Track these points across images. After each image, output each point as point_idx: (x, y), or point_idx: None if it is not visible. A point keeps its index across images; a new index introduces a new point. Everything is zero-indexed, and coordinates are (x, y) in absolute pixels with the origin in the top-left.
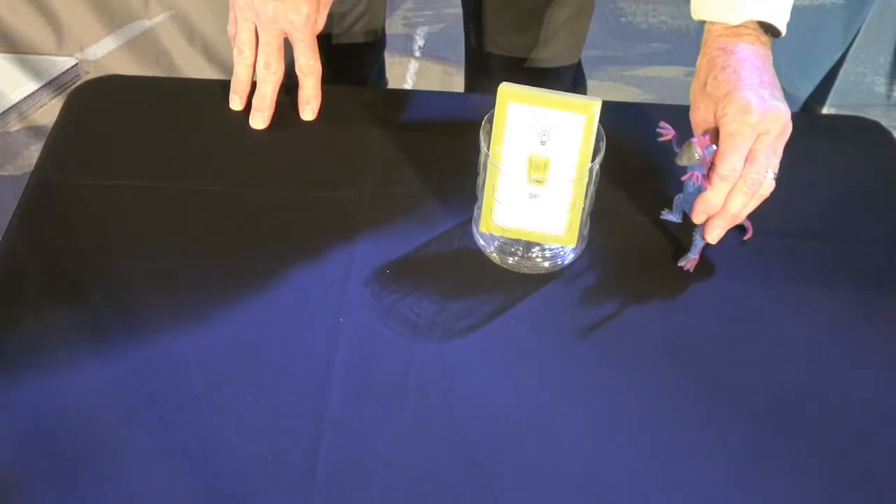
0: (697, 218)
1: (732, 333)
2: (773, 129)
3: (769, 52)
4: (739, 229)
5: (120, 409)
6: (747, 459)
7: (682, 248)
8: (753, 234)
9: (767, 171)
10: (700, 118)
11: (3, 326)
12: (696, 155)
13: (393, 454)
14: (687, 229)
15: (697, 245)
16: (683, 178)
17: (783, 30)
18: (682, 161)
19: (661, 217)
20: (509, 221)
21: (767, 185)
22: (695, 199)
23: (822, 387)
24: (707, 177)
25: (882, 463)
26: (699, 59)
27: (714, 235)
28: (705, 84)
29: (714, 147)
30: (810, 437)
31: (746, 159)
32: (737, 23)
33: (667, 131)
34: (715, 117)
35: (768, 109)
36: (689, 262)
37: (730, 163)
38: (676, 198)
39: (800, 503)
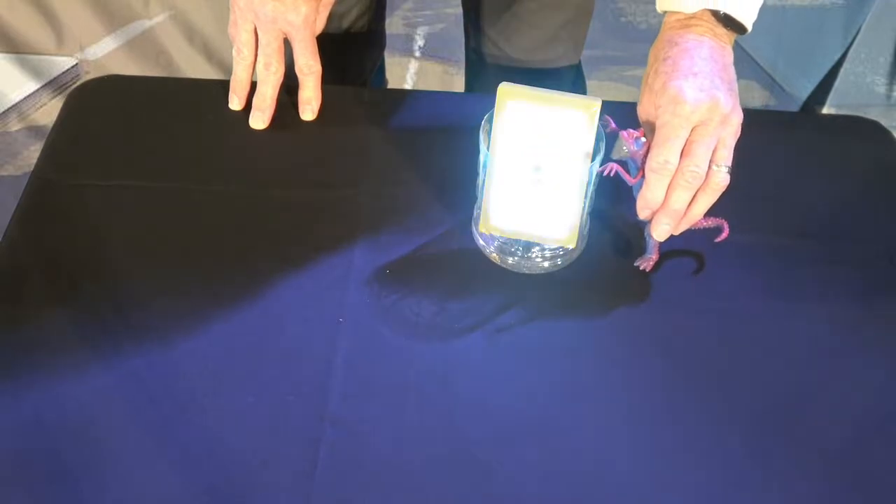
0: (641, 214)
1: (732, 333)
2: (712, 120)
3: (726, 44)
4: (714, 231)
5: (120, 408)
6: (747, 459)
7: (682, 248)
8: (754, 234)
9: (720, 166)
10: (644, 112)
11: (3, 326)
12: (625, 148)
13: (393, 454)
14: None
15: (649, 244)
16: (598, 170)
17: (747, 24)
18: (614, 155)
19: (637, 219)
20: (509, 221)
21: (719, 180)
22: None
23: (822, 387)
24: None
25: (882, 463)
26: (650, 52)
27: (659, 232)
28: (648, 77)
29: (643, 140)
30: (810, 437)
31: (683, 152)
32: (691, 12)
33: (608, 124)
34: (655, 109)
35: (701, 99)
36: (645, 261)
37: (661, 155)
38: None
39: (800, 503)
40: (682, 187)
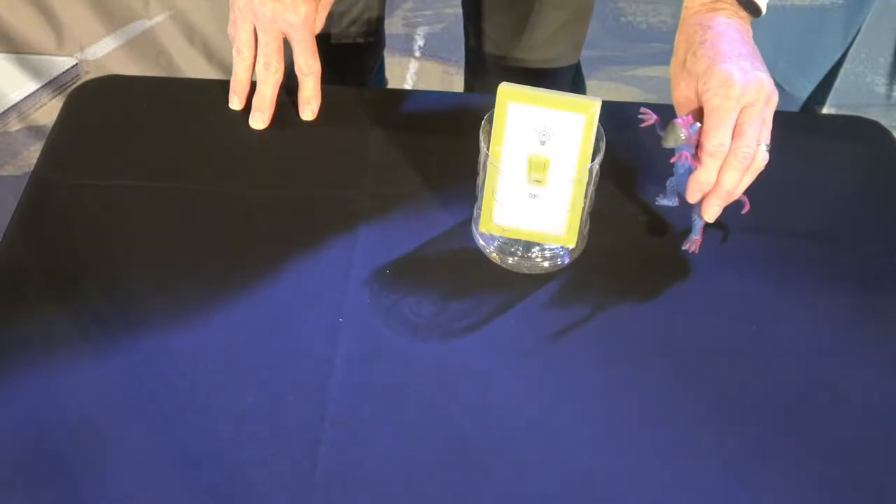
0: (692, 198)
1: (732, 333)
2: (758, 100)
3: (748, 26)
4: (735, 205)
5: (120, 408)
6: (747, 459)
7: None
8: (754, 234)
9: (760, 144)
10: (681, 96)
11: (3, 326)
12: (682, 135)
13: (393, 454)
14: (685, 218)
15: (697, 225)
16: (672, 160)
17: (763, 7)
18: (668, 143)
19: (657, 203)
20: (509, 221)
21: (761, 158)
22: (687, 179)
23: (822, 386)
24: (696, 155)
25: (882, 463)
26: (677, 36)
27: (711, 213)
28: (684, 61)
29: (698, 125)
30: (810, 437)
31: (734, 133)
32: None
33: (648, 116)
34: (697, 94)
35: (750, 81)
36: (692, 243)
37: (717, 138)
38: (668, 181)
39: (800, 503)
40: (735, 168)
